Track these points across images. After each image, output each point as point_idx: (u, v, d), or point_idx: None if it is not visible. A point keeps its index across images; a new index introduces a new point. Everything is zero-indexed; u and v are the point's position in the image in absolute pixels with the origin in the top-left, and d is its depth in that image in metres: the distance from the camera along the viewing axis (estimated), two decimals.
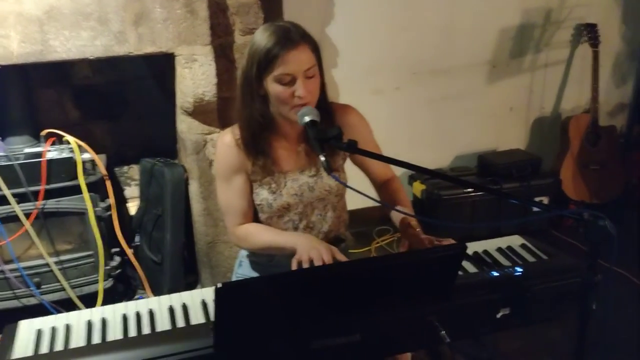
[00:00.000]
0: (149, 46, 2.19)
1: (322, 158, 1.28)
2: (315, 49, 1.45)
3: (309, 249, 1.39)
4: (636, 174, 3.41)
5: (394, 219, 1.57)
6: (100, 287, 2.37)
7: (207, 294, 1.38)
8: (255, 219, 1.62)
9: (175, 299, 1.37)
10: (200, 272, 2.68)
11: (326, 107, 1.51)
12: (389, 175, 1.69)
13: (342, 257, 1.42)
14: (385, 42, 3.08)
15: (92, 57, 2.16)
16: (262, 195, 1.57)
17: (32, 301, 2.31)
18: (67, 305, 2.32)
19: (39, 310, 2.27)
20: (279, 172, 1.57)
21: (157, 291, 2.55)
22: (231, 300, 1.02)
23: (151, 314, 1.31)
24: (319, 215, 1.62)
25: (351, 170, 1.67)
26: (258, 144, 1.53)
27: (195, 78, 2.26)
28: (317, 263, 1.35)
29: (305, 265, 1.37)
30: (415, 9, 3.06)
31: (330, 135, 1.31)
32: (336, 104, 1.61)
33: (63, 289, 2.33)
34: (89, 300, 2.36)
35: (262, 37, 1.43)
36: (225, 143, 1.55)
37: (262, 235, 1.56)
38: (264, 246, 1.56)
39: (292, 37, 1.40)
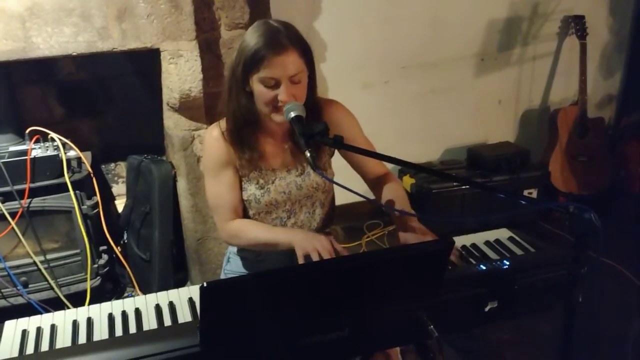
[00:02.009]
0: (133, 42, 2.17)
1: (308, 154, 1.27)
2: (305, 53, 1.42)
3: (308, 241, 1.37)
4: (624, 165, 3.43)
5: (392, 216, 1.55)
6: (88, 285, 2.36)
7: (194, 291, 1.38)
8: (245, 215, 1.61)
9: (162, 297, 1.36)
10: (189, 269, 2.67)
11: (314, 105, 1.49)
12: (382, 171, 1.64)
13: (340, 247, 1.39)
14: (374, 35, 3.07)
15: (75, 54, 2.13)
16: (250, 190, 1.56)
17: (20, 300, 2.29)
18: (55, 304, 2.31)
19: (27, 310, 2.25)
20: (266, 169, 1.56)
21: (146, 289, 2.53)
22: (217, 299, 1.01)
23: (137, 312, 1.31)
24: (308, 214, 1.61)
25: (338, 165, 1.66)
26: (244, 136, 1.52)
27: (181, 74, 2.24)
28: (324, 254, 1.33)
29: (314, 257, 1.34)
30: (403, 2, 3.05)
31: (316, 131, 1.30)
32: (322, 100, 1.59)
33: (50, 288, 2.32)
34: (77, 299, 2.34)
35: (252, 37, 1.41)
36: (213, 136, 1.54)
37: (255, 231, 1.54)
38: (257, 243, 1.55)
39: (281, 41, 1.38)
